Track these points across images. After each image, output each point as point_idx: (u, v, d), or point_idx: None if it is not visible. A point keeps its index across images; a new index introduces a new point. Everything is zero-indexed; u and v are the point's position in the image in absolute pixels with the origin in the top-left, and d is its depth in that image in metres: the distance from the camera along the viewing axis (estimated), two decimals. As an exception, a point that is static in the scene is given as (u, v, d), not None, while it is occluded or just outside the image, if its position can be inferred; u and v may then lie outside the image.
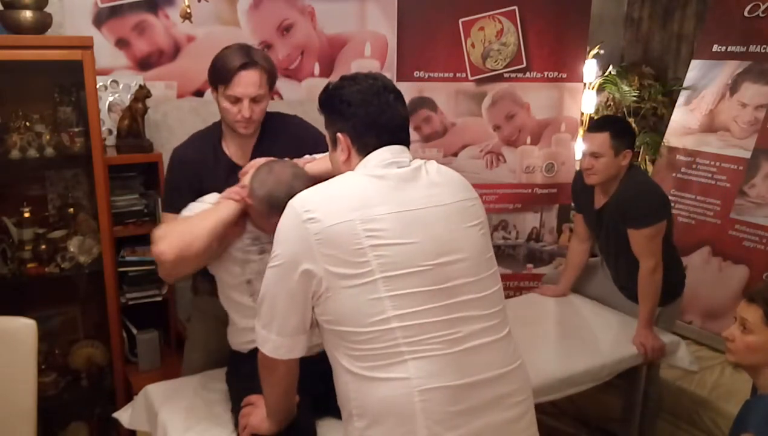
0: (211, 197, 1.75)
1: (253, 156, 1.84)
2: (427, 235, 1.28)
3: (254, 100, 1.76)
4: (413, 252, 1.26)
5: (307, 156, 1.79)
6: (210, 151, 1.86)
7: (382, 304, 1.23)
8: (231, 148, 1.88)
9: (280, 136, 1.90)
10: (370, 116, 1.34)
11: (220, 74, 1.76)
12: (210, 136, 1.89)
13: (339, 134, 1.37)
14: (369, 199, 1.28)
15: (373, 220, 1.25)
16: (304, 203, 1.29)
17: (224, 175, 1.81)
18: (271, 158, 1.71)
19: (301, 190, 1.46)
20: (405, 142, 1.39)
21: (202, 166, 1.84)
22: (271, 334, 1.33)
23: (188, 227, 1.63)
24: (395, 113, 1.37)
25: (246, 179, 1.67)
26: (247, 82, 1.74)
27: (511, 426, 1.34)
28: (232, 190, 1.69)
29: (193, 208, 1.73)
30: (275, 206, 1.57)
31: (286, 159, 1.72)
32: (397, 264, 1.25)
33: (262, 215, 1.64)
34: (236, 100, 1.75)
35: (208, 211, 1.67)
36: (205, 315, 2.04)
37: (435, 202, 1.32)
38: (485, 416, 1.29)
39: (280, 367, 1.39)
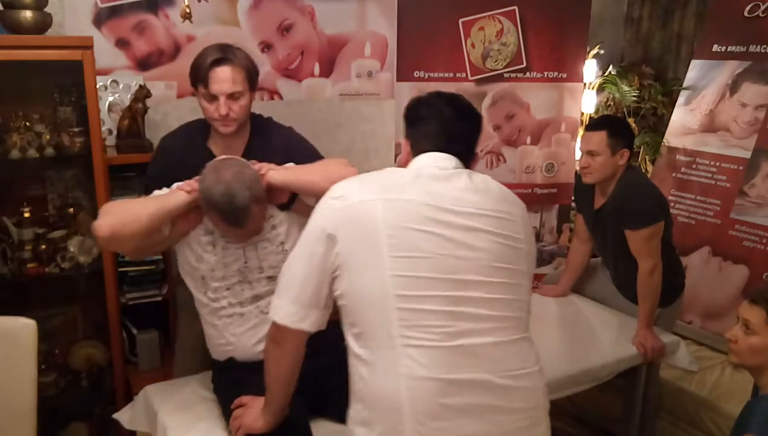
0: (176, 184, 1.74)
1: (245, 156, 1.83)
2: (444, 226, 1.31)
3: (231, 96, 1.74)
4: (426, 239, 1.29)
5: (288, 164, 1.78)
6: (192, 146, 1.86)
7: (385, 284, 1.26)
8: (217, 148, 1.86)
9: (270, 143, 1.89)
10: (427, 126, 1.46)
11: (196, 73, 1.76)
12: (197, 131, 1.89)
13: (403, 141, 1.52)
14: (395, 186, 1.35)
15: (393, 202, 1.31)
16: (337, 188, 1.38)
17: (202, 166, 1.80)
18: (233, 157, 1.70)
19: (241, 193, 1.54)
20: (458, 153, 1.44)
21: (183, 157, 1.82)
22: (285, 302, 1.36)
23: (131, 208, 1.65)
24: (450, 125, 1.46)
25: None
26: (222, 78, 1.72)
27: (505, 433, 1.30)
28: (186, 182, 1.68)
29: (158, 193, 1.73)
30: (209, 202, 1.58)
31: (245, 160, 1.70)
32: (408, 246, 1.28)
33: (202, 208, 1.65)
34: (212, 98, 1.74)
35: (156, 197, 1.69)
36: (190, 313, 2.02)
37: (465, 203, 1.35)
38: (476, 416, 1.27)
39: (288, 339, 1.40)
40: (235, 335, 1.76)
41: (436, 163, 1.41)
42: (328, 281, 1.34)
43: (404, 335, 1.25)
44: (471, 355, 1.28)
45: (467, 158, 1.47)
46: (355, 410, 1.34)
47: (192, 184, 1.66)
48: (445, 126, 1.45)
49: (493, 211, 1.37)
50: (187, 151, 1.84)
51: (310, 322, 1.37)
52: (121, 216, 1.61)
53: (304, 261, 1.35)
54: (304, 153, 1.88)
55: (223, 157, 1.70)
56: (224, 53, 1.74)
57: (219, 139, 1.86)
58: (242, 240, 1.71)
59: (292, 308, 1.35)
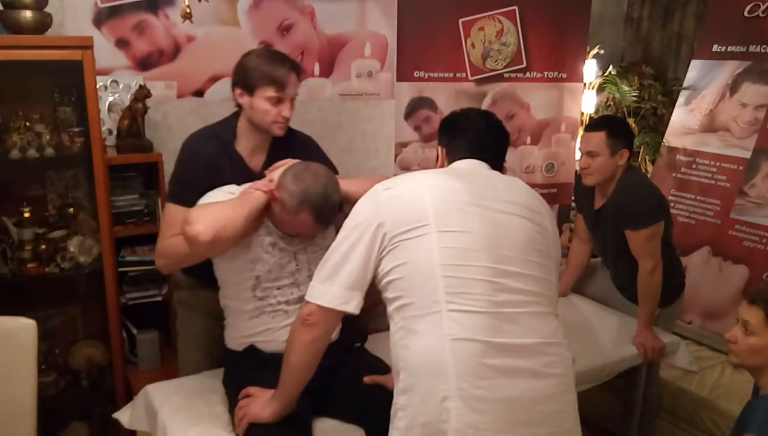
0: (230, 188, 1.77)
1: (270, 158, 1.87)
2: (484, 209, 1.43)
3: (293, 99, 1.84)
4: (470, 218, 1.41)
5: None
6: (224, 151, 1.86)
7: (432, 254, 1.36)
8: (245, 150, 1.88)
9: (292, 146, 1.92)
10: (461, 135, 1.63)
11: (267, 76, 1.78)
12: (224, 135, 1.88)
13: (439, 147, 1.67)
14: (436, 179, 1.49)
15: (437, 189, 1.44)
16: (383, 183, 1.50)
17: (237, 174, 1.83)
18: (309, 163, 1.74)
19: (334, 194, 1.63)
20: (489, 161, 1.59)
21: (217, 166, 1.83)
22: (332, 286, 1.42)
23: (223, 211, 1.65)
24: (483, 136, 1.62)
25: (275, 175, 1.70)
26: (293, 82, 1.82)
27: (542, 397, 1.35)
28: (260, 183, 1.71)
29: (215, 197, 1.73)
30: (307, 202, 1.62)
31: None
32: (453, 223, 1.39)
33: (288, 211, 1.65)
34: (278, 101, 1.79)
35: (240, 199, 1.69)
36: (192, 310, 2.04)
37: (497, 195, 1.48)
38: (516, 378, 1.33)
39: (324, 322, 1.45)
40: (272, 329, 1.76)
41: (470, 166, 1.57)
42: (374, 264, 1.41)
43: (449, 300, 1.33)
44: (511, 321, 1.36)
45: (497, 165, 1.61)
46: (399, 382, 1.37)
47: (269, 185, 1.68)
48: (478, 136, 1.61)
49: (525, 204, 1.49)
50: (219, 158, 1.85)
51: (354, 304, 1.43)
52: (217, 220, 1.62)
53: (350, 246, 1.42)
54: (324, 161, 1.92)
55: (298, 161, 1.74)
56: (291, 61, 1.85)
57: (248, 141, 1.87)
58: (309, 240, 1.77)
59: (338, 290, 1.41)
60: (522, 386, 1.33)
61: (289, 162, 1.74)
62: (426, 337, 1.34)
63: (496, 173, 1.58)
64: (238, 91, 1.82)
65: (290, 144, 1.92)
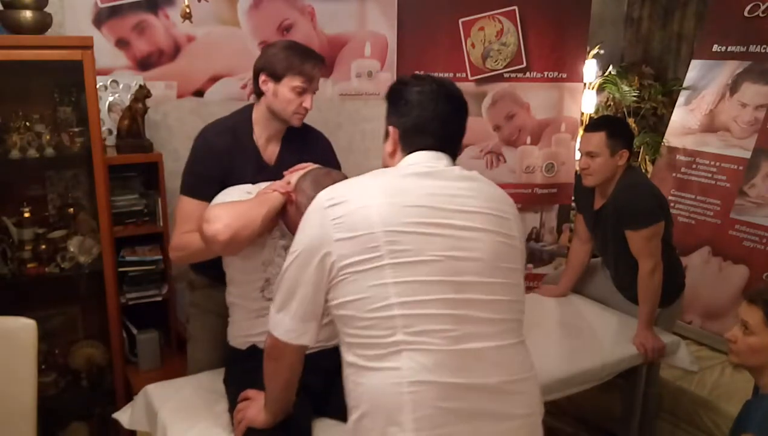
0: (247, 187, 1.77)
1: (283, 149, 1.91)
2: (443, 228, 1.28)
3: (313, 94, 1.87)
4: (426, 242, 1.26)
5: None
6: (239, 142, 1.88)
7: (387, 290, 1.23)
8: (260, 139, 1.91)
9: (305, 140, 1.95)
10: (421, 119, 1.39)
11: (296, 67, 1.81)
12: (241, 126, 1.90)
13: (390, 127, 1.43)
14: (391, 190, 1.31)
15: (390, 207, 1.27)
16: (328, 193, 1.33)
17: (250, 167, 1.86)
18: (328, 168, 1.75)
19: None
20: (450, 151, 1.41)
21: (232, 157, 1.85)
22: (285, 317, 1.34)
23: (242, 211, 1.64)
24: (448, 122, 1.40)
25: (293, 178, 1.70)
26: (318, 77, 1.87)
27: None
28: (278, 184, 1.71)
29: (231, 195, 1.74)
30: None
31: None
32: (408, 252, 1.25)
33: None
34: (303, 91, 1.83)
35: (258, 200, 1.69)
36: (204, 311, 2.04)
37: (459, 202, 1.32)
38: (476, 422, 1.25)
39: (286, 354, 1.39)
40: None
41: (428, 162, 1.37)
42: (324, 294, 1.30)
43: (408, 340, 1.22)
44: (475, 359, 1.26)
45: (456, 154, 1.44)
46: (351, 420, 1.30)
47: (287, 187, 1.68)
48: (442, 123, 1.39)
49: (489, 208, 1.35)
50: (235, 149, 1.86)
51: (309, 336, 1.35)
52: (236, 219, 1.61)
53: (298, 272, 1.31)
54: (330, 155, 1.96)
55: (319, 166, 1.74)
56: (321, 57, 1.89)
57: (263, 132, 1.90)
58: None
59: (291, 323, 1.33)
60: (483, 430, 1.25)
61: (309, 166, 1.74)
62: (381, 377, 1.23)
63: (458, 172, 1.37)
64: (263, 77, 1.84)
65: (304, 137, 1.94)
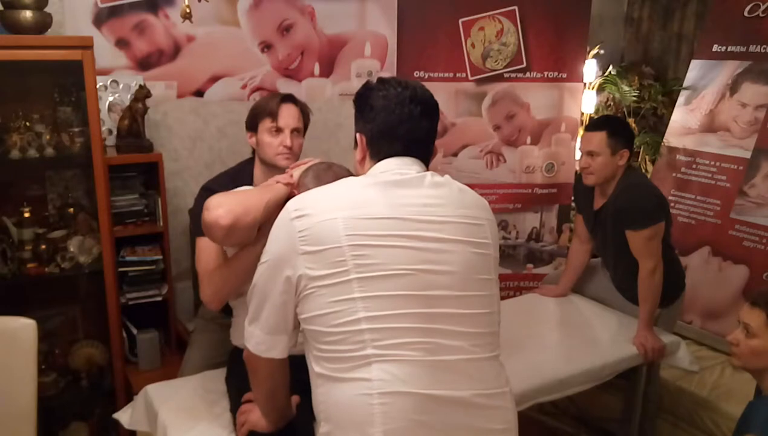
0: (246, 188, 1.78)
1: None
2: (413, 240, 1.24)
3: (294, 131, 1.91)
4: (394, 255, 1.22)
5: None
6: (239, 185, 1.87)
7: (354, 305, 1.20)
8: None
9: None
10: (387, 124, 1.34)
11: (262, 109, 1.91)
12: (239, 178, 1.93)
13: (358, 134, 1.39)
14: (358, 200, 1.26)
15: (357, 220, 1.23)
16: (295, 203, 1.29)
17: None
18: (330, 162, 1.74)
19: None
20: (421, 155, 1.36)
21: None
22: (256, 329, 1.33)
23: (244, 198, 1.63)
24: (416, 126, 1.35)
25: (296, 172, 1.69)
26: (289, 114, 1.91)
27: None
28: (281, 177, 1.71)
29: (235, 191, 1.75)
30: None
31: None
32: (375, 266, 1.21)
33: None
34: (278, 131, 1.89)
35: (261, 189, 1.69)
36: (208, 324, 2.08)
37: (430, 212, 1.28)
38: (451, 435, 1.21)
39: (261, 366, 1.38)
40: None
41: (399, 169, 1.32)
42: (293, 308, 1.27)
43: (378, 353, 1.19)
44: (448, 370, 1.23)
45: (428, 158, 1.39)
46: (321, 433, 1.27)
47: (289, 179, 1.69)
48: (410, 127, 1.34)
49: (461, 217, 1.31)
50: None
51: (279, 349, 1.33)
52: (240, 205, 1.58)
53: (265, 284, 1.29)
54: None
55: (321, 161, 1.74)
56: (289, 95, 1.96)
57: (265, 179, 1.88)
58: None
59: (261, 336, 1.31)
60: None
61: (311, 160, 1.75)
62: (351, 388, 1.20)
63: (429, 179, 1.32)
64: (248, 135, 1.95)
65: None
